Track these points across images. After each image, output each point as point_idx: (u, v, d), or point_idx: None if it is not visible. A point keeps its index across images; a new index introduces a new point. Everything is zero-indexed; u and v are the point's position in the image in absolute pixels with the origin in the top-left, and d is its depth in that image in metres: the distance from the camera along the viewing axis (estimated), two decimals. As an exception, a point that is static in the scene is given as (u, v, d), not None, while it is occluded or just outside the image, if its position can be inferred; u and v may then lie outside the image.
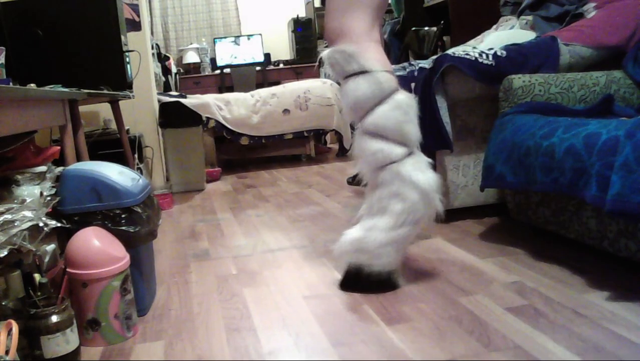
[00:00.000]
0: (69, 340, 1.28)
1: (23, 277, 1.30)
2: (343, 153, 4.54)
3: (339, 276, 1.71)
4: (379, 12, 1.62)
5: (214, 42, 6.35)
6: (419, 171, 1.53)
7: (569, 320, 1.32)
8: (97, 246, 1.38)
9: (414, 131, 1.54)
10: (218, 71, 6.33)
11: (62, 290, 1.33)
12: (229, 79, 6.22)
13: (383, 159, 1.53)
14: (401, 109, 1.52)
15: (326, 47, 1.63)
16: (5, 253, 1.20)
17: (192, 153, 3.62)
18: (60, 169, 1.55)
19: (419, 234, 2.13)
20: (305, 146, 4.52)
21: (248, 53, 6.35)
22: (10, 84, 1.73)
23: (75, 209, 1.45)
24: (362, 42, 1.56)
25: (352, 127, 4.71)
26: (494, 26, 3.05)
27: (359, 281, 1.58)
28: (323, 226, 2.38)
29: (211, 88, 6.19)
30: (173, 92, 4.88)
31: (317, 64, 1.61)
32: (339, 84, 1.66)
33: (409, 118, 1.53)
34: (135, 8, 3.53)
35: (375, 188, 1.57)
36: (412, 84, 2.91)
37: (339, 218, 2.49)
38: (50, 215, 1.39)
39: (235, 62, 6.32)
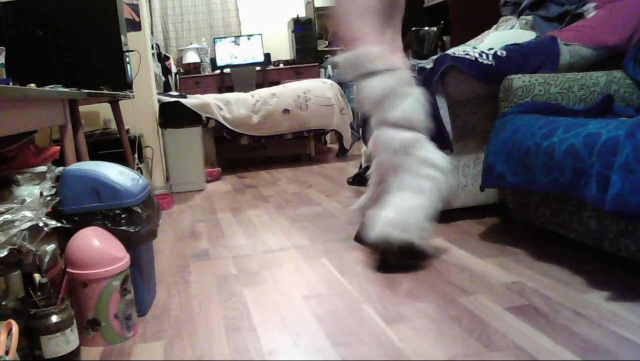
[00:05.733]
0: (69, 340, 1.28)
1: (23, 277, 1.30)
2: (343, 153, 4.53)
3: (338, 274, 1.73)
4: (388, 15, 1.77)
5: (214, 42, 6.35)
6: (435, 154, 1.78)
7: (569, 320, 1.32)
8: (97, 246, 1.38)
9: (427, 121, 1.80)
10: (218, 71, 6.33)
11: (62, 290, 1.33)
12: (229, 79, 6.22)
13: (411, 145, 1.75)
14: (421, 102, 1.77)
15: (338, 51, 1.78)
16: (5, 253, 1.20)
17: (192, 153, 3.62)
18: (60, 169, 1.55)
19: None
20: (305, 146, 4.52)
21: (248, 53, 6.35)
22: (10, 84, 1.73)
23: (75, 209, 1.45)
24: (376, 44, 1.73)
25: (352, 127, 4.68)
26: (494, 26, 3.05)
27: (401, 257, 1.75)
28: (323, 226, 2.38)
29: (211, 88, 6.19)
30: (173, 92, 4.88)
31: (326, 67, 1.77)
32: (341, 85, 1.83)
33: (426, 110, 1.79)
34: (135, 8, 3.53)
35: (398, 172, 1.76)
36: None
37: (339, 218, 2.49)
38: (50, 215, 1.39)
39: (235, 62, 6.32)
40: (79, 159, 1.98)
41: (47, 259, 1.38)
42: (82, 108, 2.99)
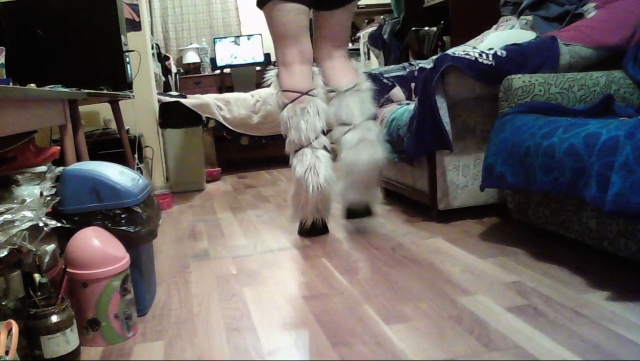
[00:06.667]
0: (69, 340, 1.28)
1: (23, 277, 1.30)
2: (343, 153, 4.52)
3: (338, 274, 1.74)
4: (296, 40, 2.17)
5: (214, 42, 6.35)
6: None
7: (569, 320, 1.32)
8: (97, 246, 1.38)
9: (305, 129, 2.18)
10: (218, 71, 6.33)
11: (62, 290, 1.33)
12: (229, 79, 6.22)
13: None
14: (283, 119, 2.18)
15: None
16: (5, 253, 1.20)
17: (192, 153, 3.62)
18: (60, 169, 1.55)
19: (418, 233, 2.14)
20: (305, 146, 4.51)
21: (248, 53, 6.35)
22: (10, 84, 1.73)
23: (75, 209, 1.45)
24: (279, 66, 2.23)
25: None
26: (494, 26, 3.05)
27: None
28: (323, 226, 2.37)
29: (211, 88, 6.19)
30: (173, 92, 4.88)
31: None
32: None
33: (292, 123, 2.16)
34: (135, 8, 3.53)
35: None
36: (412, 84, 2.91)
37: (339, 218, 2.48)
38: (50, 215, 1.39)
39: (235, 62, 6.32)
40: (79, 159, 1.98)
41: (47, 259, 1.38)
42: (82, 108, 2.99)
